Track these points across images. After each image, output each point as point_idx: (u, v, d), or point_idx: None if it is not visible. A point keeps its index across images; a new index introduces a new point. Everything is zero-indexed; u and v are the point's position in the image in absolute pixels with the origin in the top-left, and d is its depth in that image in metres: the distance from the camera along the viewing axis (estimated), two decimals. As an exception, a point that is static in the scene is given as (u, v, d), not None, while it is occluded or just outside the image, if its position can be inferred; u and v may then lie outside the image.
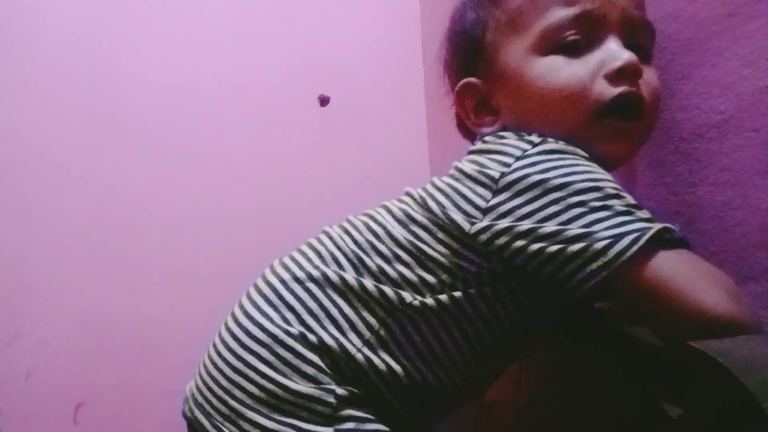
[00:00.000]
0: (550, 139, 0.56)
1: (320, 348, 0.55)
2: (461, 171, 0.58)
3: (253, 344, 0.56)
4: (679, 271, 0.49)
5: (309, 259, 0.59)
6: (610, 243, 0.49)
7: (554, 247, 0.51)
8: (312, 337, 0.55)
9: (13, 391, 1.15)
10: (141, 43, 1.28)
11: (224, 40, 1.31)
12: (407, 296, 0.55)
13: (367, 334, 0.55)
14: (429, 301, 0.55)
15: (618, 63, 0.56)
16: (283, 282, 0.58)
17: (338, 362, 0.55)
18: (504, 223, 0.53)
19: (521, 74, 0.59)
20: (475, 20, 0.64)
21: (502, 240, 0.53)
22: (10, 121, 1.20)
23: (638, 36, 0.60)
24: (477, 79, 0.64)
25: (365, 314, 0.56)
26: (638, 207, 0.52)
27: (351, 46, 1.36)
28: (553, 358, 0.69)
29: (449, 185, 0.58)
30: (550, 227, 0.51)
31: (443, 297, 0.55)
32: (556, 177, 0.52)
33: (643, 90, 0.58)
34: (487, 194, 0.54)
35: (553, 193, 0.52)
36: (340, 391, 0.54)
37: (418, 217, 0.58)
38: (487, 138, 0.60)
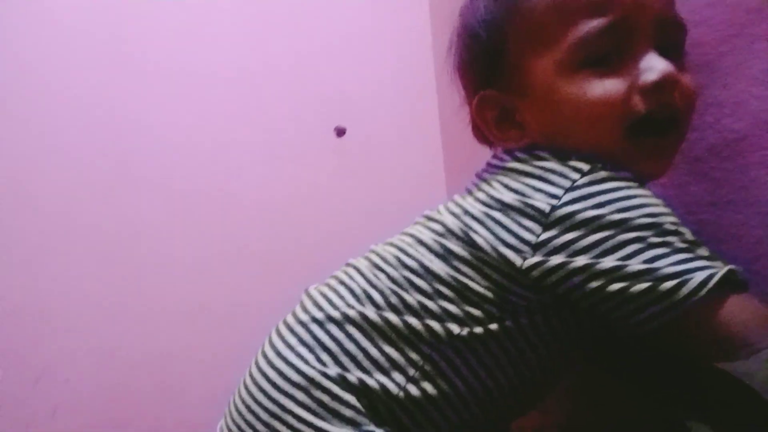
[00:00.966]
0: (598, 165, 0.52)
1: (360, 389, 0.53)
2: (500, 201, 0.54)
3: (288, 387, 0.54)
4: (743, 318, 0.48)
5: (341, 297, 0.57)
6: (678, 284, 0.47)
7: (616, 285, 0.49)
8: (352, 378, 0.53)
9: (41, 429, 1.16)
10: (155, 78, 1.30)
11: (241, 74, 1.34)
12: (455, 328, 0.53)
13: (411, 371, 0.54)
14: (478, 330, 0.53)
15: (654, 77, 0.52)
16: (316, 321, 0.57)
17: (376, 404, 0.53)
18: (558, 259, 0.50)
19: (551, 92, 0.55)
20: (490, 24, 0.59)
21: (555, 276, 0.51)
22: (31, 162, 1.23)
23: (671, 37, 0.56)
24: (499, 91, 0.60)
25: (408, 351, 0.54)
26: (698, 243, 0.50)
27: (366, 77, 1.39)
28: (581, 386, 0.69)
29: (489, 216, 0.54)
30: (608, 263, 0.49)
31: (493, 326, 0.53)
32: (611, 212, 0.49)
33: (678, 100, 0.55)
34: (537, 228, 0.51)
35: (609, 230, 0.49)
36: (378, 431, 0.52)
37: (458, 250, 0.55)
38: (520, 156, 0.57)
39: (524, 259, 0.52)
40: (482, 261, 0.53)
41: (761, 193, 0.60)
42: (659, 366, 0.56)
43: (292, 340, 0.57)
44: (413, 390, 0.53)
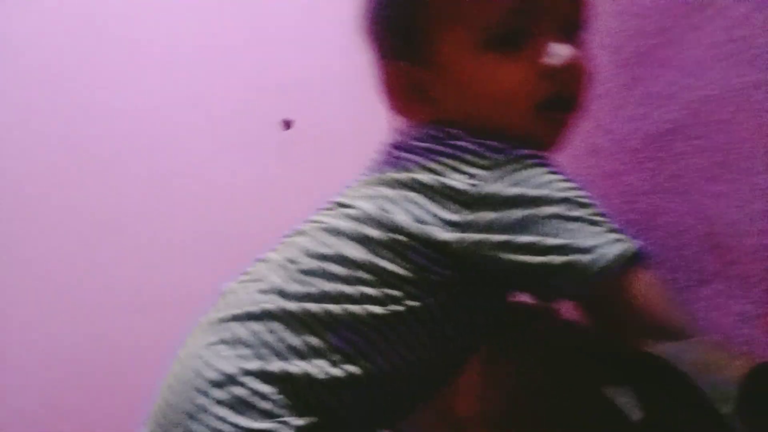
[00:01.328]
0: (512, 144, 0.54)
1: (283, 379, 0.53)
2: (417, 182, 0.55)
3: (206, 386, 0.53)
4: (651, 291, 0.51)
5: (262, 291, 0.57)
6: (593, 259, 0.49)
7: (535, 259, 0.51)
8: (273, 369, 0.53)
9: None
10: (103, 68, 1.27)
11: (185, 60, 1.31)
12: (375, 309, 0.54)
13: (334, 355, 0.54)
14: (398, 308, 0.54)
15: (559, 62, 0.55)
16: (236, 318, 0.56)
17: (302, 392, 0.53)
18: (478, 236, 0.52)
19: (462, 69, 0.57)
20: (403, 10, 0.60)
21: (476, 253, 0.52)
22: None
23: (574, 18, 0.59)
24: (410, 64, 0.60)
25: (329, 337, 0.54)
26: (607, 217, 0.52)
27: (314, 68, 1.37)
28: (516, 369, 0.70)
29: (407, 198, 0.55)
30: (526, 238, 0.51)
31: (413, 303, 0.54)
32: (529, 190, 0.52)
33: (578, 80, 0.58)
34: (456, 207, 0.53)
35: (527, 207, 0.52)
36: (298, 422, 0.52)
37: (377, 235, 0.55)
38: (433, 134, 0.58)
39: (443, 237, 0.53)
40: (401, 244, 0.54)
41: (692, 182, 0.62)
42: (592, 349, 0.57)
43: (212, 339, 0.56)
44: (337, 372, 0.53)
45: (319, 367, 0.53)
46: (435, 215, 0.54)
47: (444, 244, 0.53)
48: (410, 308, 0.54)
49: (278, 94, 1.34)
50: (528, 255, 0.51)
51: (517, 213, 0.52)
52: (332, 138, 1.36)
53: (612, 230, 0.51)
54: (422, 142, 0.58)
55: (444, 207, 0.53)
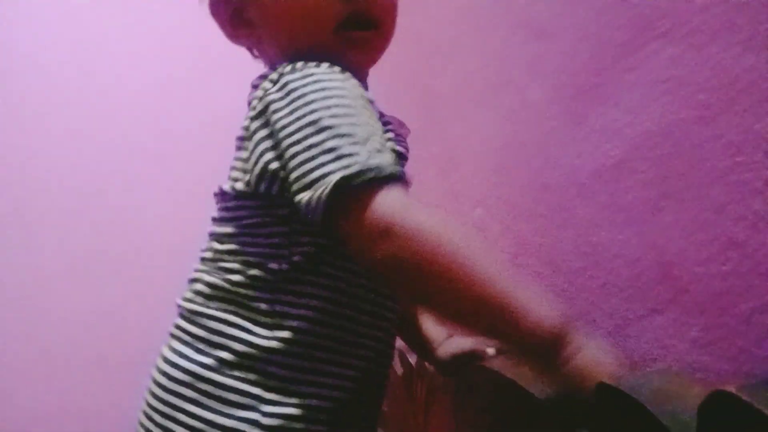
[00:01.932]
0: (287, 70, 0.55)
1: (238, 363, 0.54)
2: (237, 137, 0.59)
3: (175, 386, 0.55)
4: (357, 217, 0.49)
5: (197, 291, 0.59)
6: (309, 193, 0.50)
7: (285, 192, 0.53)
8: (227, 356, 0.55)
9: None
10: (91, 117, 1.24)
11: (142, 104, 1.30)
12: (274, 265, 0.55)
13: (269, 320, 0.55)
14: (296, 258, 0.55)
15: None
16: (183, 316, 0.59)
17: (257, 364, 0.54)
18: (249, 166, 0.55)
19: None
20: None
21: (257, 169, 0.55)
22: None
23: None
24: None
25: (255, 303, 0.55)
26: (348, 135, 0.51)
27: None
28: (484, 413, 0.69)
29: (235, 158, 0.59)
30: (273, 168, 0.53)
31: (295, 258, 0.55)
32: (283, 116, 0.53)
33: (376, 8, 0.60)
34: (246, 144, 0.56)
35: (279, 133, 0.53)
36: (265, 421, 0.53)
37: (233, 206, 0.59)
38: (255, 81, 0.61)
39: (249, 173, 0.56)
40: (248, 207, 0.57)
41: (640, 214, 0.64)
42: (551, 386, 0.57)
43: (173, 342, 0.58)
44: (279, 333, 0.55)
45: (262, 336, 0.55)
46: (242, 160, 0.57)
47: (250, 191, 0.56)
48: (293, 264, 0.55)
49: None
50: (280, 186, 0.53)
51: (270, 140, 0.54)
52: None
53: (338, 157, 0.50)
54: (253, 95, 0.60)
55: (243, 149, 0.57)
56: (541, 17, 0.75)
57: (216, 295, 0.57)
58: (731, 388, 0.44)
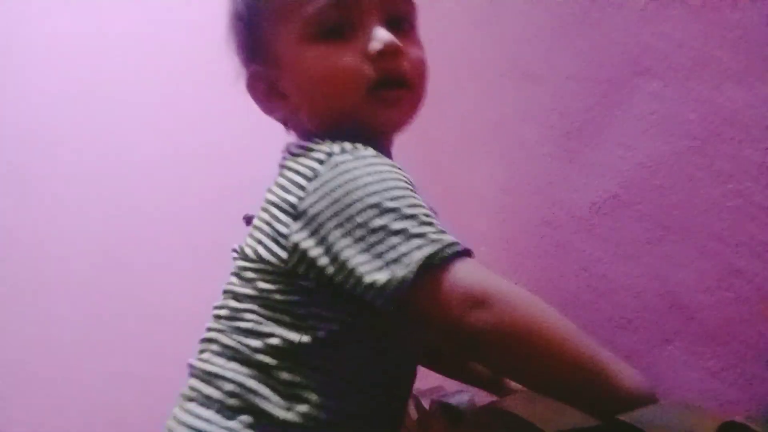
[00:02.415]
0: (335, 150, 0.56)
1: (257, 425, 0.54)
2: (269, 201, 0.58)
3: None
4: (441, 292, 0.50)
5: (214, 352, 0.58)
6: (388, 275, 0.49)
7: (339, 277, 0.52)
8: (246, 419, 0.54)
9: None
10: (65, 187, 1.27)
11: (147, 171, 1.33)
12: (295, 336, 0.55)
13: (288, 391, 0.55)
14: (312, 337, 0.55)
15: (377, 46, 0.59)
16: (200, 378, 0.58)
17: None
18: (300, 251, 0.54)
19: (295, 62, 0.62)
20: (248, 6, 0.66)
21: (302, 267, 0.54)
22: None
23: (397, 11, 0.63)
24: (261, 66, 0.65)
25: (275, 372, 0.55)
26: (413, 217, 0.52)
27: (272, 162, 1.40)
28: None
29: (262, 219, 0.58)
30: (334, 255, 0.52)
31: (320, 334, 0.55)
32: (339, 198, 0.53)
33: (405, 64, 0.61)
34: (290, 221, 0.55)
35: (337, 217, 0.52)
36: None
37: (251, 271, 0.58)
38: (292, 150, 0.61)
39: (286, 252, 0.55)
40: (269, 272, 0.56)
41: (641, 245, 0.64)
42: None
43: (187, 404, 0.58)
44: (296, 406, 0.54)
45: (280, 407, 0.54)
46: (282, 235, 0.55)
47: (278, 264, 0.55)
48: (316, 339, 0.54)
49: (237, 192, 1.37)
50: (341, 273, 0.52)
51: (329, 225, 0.52)
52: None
53: (413, 235, 0.51)
54: (284, 160, 0.61)
55: (282, 222, 0.55)
56: (530, 60, 0.77)
57: (234, 357, 0.56)
58: (740, 418, 0.44)
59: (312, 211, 0.53)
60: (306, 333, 0.55)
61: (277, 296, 0.56)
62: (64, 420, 1.19)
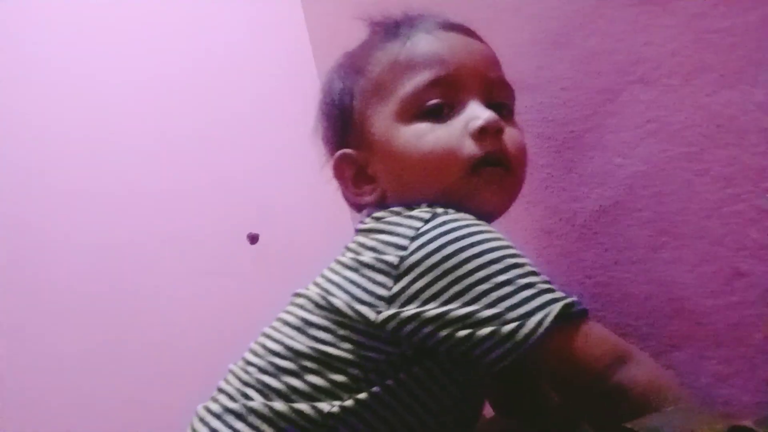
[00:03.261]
0: (438, 211, 0.55)
1: None
2: (357, 261, 0.56)
3: None
4: (579, 346, 0.50)
5: (220, 403, 0.57)
6: (517, 326, 0.49)
7: (463, 332, 0.51)
8: None
9: None
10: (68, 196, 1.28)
11: (149, 187, 1.33)
12: (324, 406, 0.53)
13: None
14: (348, 403, 0.53)
15: (479, 123, 0.58)
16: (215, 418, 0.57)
17: None
18: (411, 310, 0.52)
19: (389, 142, 0.60)
20: (342, 90, 0.65)
21: (410, 327, 0.52)
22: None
23: (498, 95, 0.63)
24: (351, 149, 0.64)
25: None
26: (536, 274, 0.53)
27: (275, 180, 1.41)
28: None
29: (345, 278, 0.56)
30: (457, 311, 0.51)
31: (362, 396, 0.53)
32: (454, 254, 0.52)
33: (507, 145, 0.60)
34: (389, 281, 0.53)
35: (454, 272, 0.51)
36: None
37: (315, 319, 0.56)
38: (377, 214, 0.60)
39: (378, 313, 0.53)
40: (338, 323, 0.54)
41: (643, 252, 0.64)
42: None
43: None
44: None
45: None
46: (370, 291, 0.54)
47: (375, 322, 0.53)
48: (360, 401, 0.53)
49: (242, 210, 1.37)
50: (456, 328, 0.51)
51: (444, 281, 0.51)
52: (299, 249, 1.38)
53: (544, 291, 0.51)
54: (367, 224, 0.60)
55: (377, 282, 0.54)
56: (524, 71, 0.78)
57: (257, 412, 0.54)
58: (749, 423, 0.44)
59: (419, 270, 0.52)
60: (344, 398, 0.53)
61: (339, 353, 0.54)
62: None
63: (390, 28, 0.66)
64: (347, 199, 0.69)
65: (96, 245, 1.27)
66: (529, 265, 0.53)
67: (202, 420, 0.58)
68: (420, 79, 0.60)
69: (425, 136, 0.59)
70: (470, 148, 0.58)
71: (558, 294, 0.51)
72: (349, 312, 0.54)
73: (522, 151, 0.63)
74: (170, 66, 1.37)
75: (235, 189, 1.37)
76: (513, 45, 0.74)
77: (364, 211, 0.64)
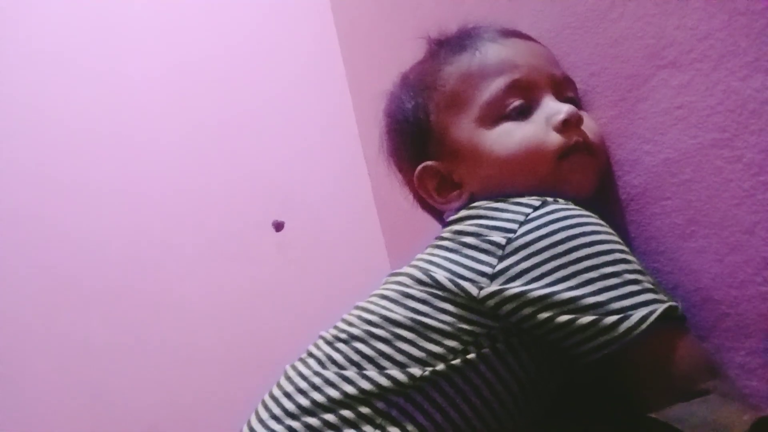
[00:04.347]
0: (549, 199, 0.58)
1: None
2: (460, 243, 0.59)
3: None
4: (681, 353, 0.52)
5: (309, 366, 0.60)
6: (620, 319, 0.51)
7: (564, 318, 0.52)
8: None
9: None
10: (97, 180, 1.30)
11: (175, 177, 1.35)
12: (416, 371, 0.55)
13: (378, 419, 0.55)
14: (440, 367, 0.55)
15: (562, 116, 0.62)
16: (287, 395, 0.59)
17: None
18: (514, 288, 0.54)
19: (477, 147, 0.64)
20: (415, 107, 0.69)
21: (511, 305, 0.54)
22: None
23: (566, 90, 0.68)
24: (432, 161, 0.67)
25: (376, 402, 0.55)
26: (644, 273, 0.55)
27: (300, 168, 1.42)
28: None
29: (447, 258, 0.59)
30: (561, 295, 0.52)
31: (456, 361, 0.55)
32: (564, 240, 0.54)
33: (588, 134, 0.65)
34: (493, 260, 0.55)
35: (562, 257, 0.53)
36: None
37: (414, 292, 0.58)
38: (473, 204, 0.62)
39: (480, 288, 0.55)
40: (438, 297, 0.56)
41: (670, 241, 0.63)
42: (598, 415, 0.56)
43: (265, 415, 0.58)
44: None
45: None
46: (473, 269, 0.56)
47: (477, 297, 0.55)
48: (453, 366, 0.55)
49: (266, 197, 1.38)
50: (557, 312, 0.52)
51: (552, 264, 0.53)
52: (324, 236, 1.39)
53: (648, 290, 0.53)
54: (461, 213, 0.62)
55: (481, 261, 0.56)
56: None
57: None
58: (777, 414, 0.43)
59: (527, 251, 0.54)
60: (437, 365, 0.55)
61: (436, 323, 0.56)
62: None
63: (454, 43, 0.69)
64: (426, 207, 0.72)
65: (125, 234, 1.29)
66: (637, 263, 0.55)
67: (290, 379, 0.60)
68: (497, 84, 0.64)
69: (512, 134, 0.63)
70: (557, 139, 0.62)
71: (662, 296, 0.53)
72: (451, 286, 0.56)
73: (600, 137, 0.66)
74: (197, 56, 1.39)
75: (261, 177, 1.38)
76: (539, 31, 0.73)
77: (448, 213, 0.67)
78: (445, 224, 0.64)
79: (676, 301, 0.53)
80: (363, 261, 1.37)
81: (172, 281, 1.30)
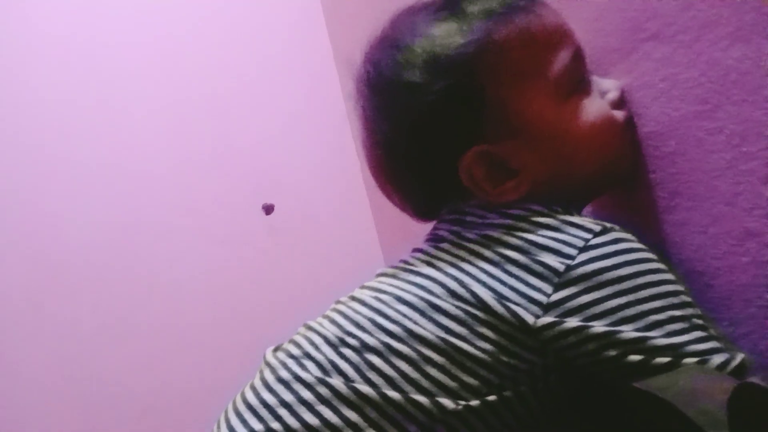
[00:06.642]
0: (607, 225, 0.53)
1: None
2: (504, 257, 0.52)
3: None
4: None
5: (307, 370, 0.51)
6: (699, 362, 0.48)
7: (635, 357, 0.48)
8: None
9: None
10: (87, 173, 1.29)
11: (164, 163, 1.34)
12: (448, 403, 0.48)
13: None
14: (474, 403, 0.48)
15: (617, 92, 0.62)
16: (284, 404, 0.50)
17: None
18: (574, 322, 0.49)
19: (552, 123, 0.56)
20: (458, 81, 0.56)
21: (570, 339, 0.49)
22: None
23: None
24: (488, 144, 0.56)
25: (390, 430, 0.48)
26: (709, 320, 0.52)
27: (289, 151, 1.41)
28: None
29: (486, 271, 0.52)
30: (629, 334, 0.48)
31: (491, 398, 0.49)
32: (630, 276, 0.50)
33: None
34: (548, 287, 0.49)
35: (629, 294, 0.49)
36: None
37: (447, 306, 0.50)
38: (515, 213, 0.55)
39: (536, 317, 0.49)
40: (477, 319, 0.50)
41: (654, 214, 0.64)
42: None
43: (253, 422, 0.50)
44: None
45: None
46: (523, 294, 0.50)
47: (532, 326, 0.49)
48: (487, 403, 0.49)
49: (255, 180, 1.38)
50: (627, 351, 0.48)
51: (618, 301, 0.49)
52: (315, 220, 1.39)
53: (716, 338, 0.50)
54: (504, 220, 0.55)
55: (532, 286, 0.50)
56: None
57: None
58: (756, 380, 0.44)
59: (589, 283, 0.49)
60: (470, 399, 0.49)
61: (475, 352, 0.49)
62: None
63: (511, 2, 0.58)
64: (427, 215, 0.62)
65: (112, 217, 1.29)
66: (701, 309, 0.53)
67: (287, 386, 0.51)
68: (565, 54, 0.58)
69: (587, 109, 0.58)
70: (621, 114, 0.61)
71: (730, 344, 0.51)
72: (500, 309, 0.49)
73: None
74: (183, 35, 1.37)
75: (250, 160, 1.38)
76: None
77: (468, 202, 0.58)
78: (471, 224, 0.56)
79: (747, 354, 0.50)
80: (353, 243, 1.38)
81: (162, 264, 1.30)
